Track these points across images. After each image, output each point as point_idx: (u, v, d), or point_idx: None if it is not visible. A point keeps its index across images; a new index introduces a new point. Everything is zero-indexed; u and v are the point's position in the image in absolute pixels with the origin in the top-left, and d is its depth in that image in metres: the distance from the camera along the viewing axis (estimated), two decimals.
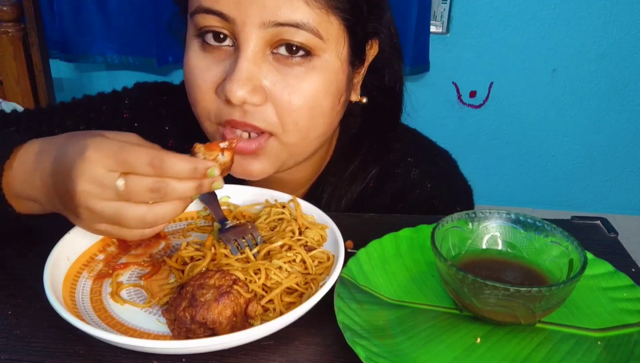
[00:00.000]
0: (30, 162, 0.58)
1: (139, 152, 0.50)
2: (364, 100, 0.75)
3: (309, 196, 0.80)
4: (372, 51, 0.73)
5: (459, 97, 2.28)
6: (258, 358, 0.49)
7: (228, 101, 0.63)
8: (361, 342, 0.48)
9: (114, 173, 0.50)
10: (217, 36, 0.64)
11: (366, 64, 0.73)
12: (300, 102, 0.64)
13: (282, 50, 0.63)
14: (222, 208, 0.67)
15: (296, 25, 0.61)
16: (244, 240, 0.60)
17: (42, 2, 1.89)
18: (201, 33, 0.65)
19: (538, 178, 2.39)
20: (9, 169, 0.58)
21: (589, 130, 2.29)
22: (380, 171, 0.80)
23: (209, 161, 0.53)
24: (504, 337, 0.51)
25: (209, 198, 0.67)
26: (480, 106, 2.29)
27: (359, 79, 0.74)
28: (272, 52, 0.63)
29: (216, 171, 0.52)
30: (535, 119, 2.28)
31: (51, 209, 0.58)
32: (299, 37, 0.62)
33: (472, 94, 2.27)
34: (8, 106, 1.68)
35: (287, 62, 0.64)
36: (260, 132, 0.66)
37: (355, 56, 0.69)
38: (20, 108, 1.60)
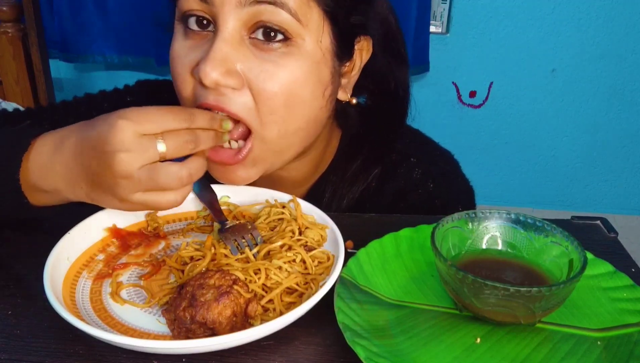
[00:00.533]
0: (47, 153, 0.58)
1: (170, 110, 0.55)
2: (354, 100, 0.74)
3: (311, 196, 0.80)
4: (363, 51, 0.72)
5: (459, 97, 2.28)
6: (258, 358, 0.49)
7: (202, 83, 0.62)
8: (361, 342, 0.48)
9: (151, 135, 0.53)
10: (201, 22, 0.64)
11: (359, 63, 0.72)
12: (276, 88, 0.63)
13: (260, 35, 0.62)
14: (222, 208, 0.67)
15: (274, 3, 0.60)
16: (243, 240, 0.60)
17: (41, 2, 1.88)
18: (184, 18, 0.65)
19: (538, 178, 2.39)
20: (26, 162, 0.59)
21: (589, 130, 2.29)
22: (382, 171, 0.79)
23: (222, 114, 0.62)
24: (504, 337, 0.51)
25: (209, 198, 0.67)
26: (480, 106, 2.29)
27: (350, 78, 0.73)
28: (250, 37, 0.63)
29: (230, 125, 0.62)
30: (535, 119, 2.28)
31: (71, 197, 0.59)
32: (277, 17, 0.61)
33: (472, 94, 2.27)
34: (9, 106, 1.68)
35: (264, 47, 0.62)
36: (236, 120, 0.64)
37: (341, 49, 0.68)
38: (21, 108, 1.59)
